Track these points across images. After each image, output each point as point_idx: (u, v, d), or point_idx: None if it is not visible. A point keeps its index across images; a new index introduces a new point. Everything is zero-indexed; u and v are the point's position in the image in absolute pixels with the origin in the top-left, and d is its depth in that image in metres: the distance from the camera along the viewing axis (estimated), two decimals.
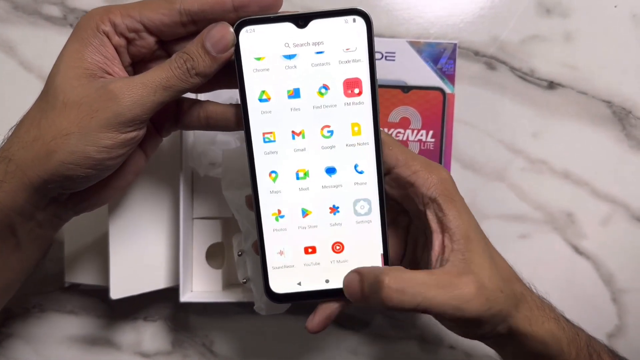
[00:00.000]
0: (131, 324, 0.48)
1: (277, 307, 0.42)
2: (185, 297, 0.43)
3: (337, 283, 0.34)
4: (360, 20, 0.31)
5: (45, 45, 0.47)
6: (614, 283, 0.47)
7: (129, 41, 0.31)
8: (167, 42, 0.32)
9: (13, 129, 0.32)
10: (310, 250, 0.34)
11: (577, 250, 0.48)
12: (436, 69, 0.42)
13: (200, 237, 0.45)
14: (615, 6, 0.46)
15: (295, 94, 0.32)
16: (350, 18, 0.31)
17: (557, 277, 0.48)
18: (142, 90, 0.29)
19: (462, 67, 0.46)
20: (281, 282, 0.34)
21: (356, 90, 0.32)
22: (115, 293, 0.42)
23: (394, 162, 0.33)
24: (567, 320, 0.35)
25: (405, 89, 0.42)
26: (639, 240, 0.47)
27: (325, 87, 0.32)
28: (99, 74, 0.30)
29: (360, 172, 0.33)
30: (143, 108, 0.30)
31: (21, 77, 0.47)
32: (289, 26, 0.31)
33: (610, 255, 0.47)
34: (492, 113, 0.47)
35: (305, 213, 0.34)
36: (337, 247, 0.34)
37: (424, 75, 0.42)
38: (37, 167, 0.30)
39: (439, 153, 0.42)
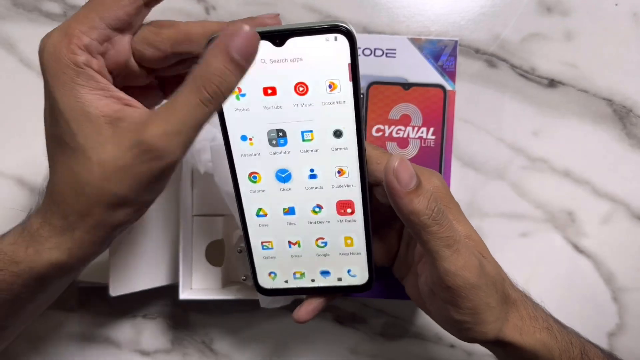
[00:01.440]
0: (130, 322, 0.48)
1: (282, 299, 0.42)
2: (184, 294, 0.43)
3: (322, 282, 0.36)
4: (342, 39, 0.29)
5: None
6: (614, 282, 0.47)
7: (105, 53, 0.28)
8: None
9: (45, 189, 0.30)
10: (294, 244, 0.35)
11: (578, 248, 0.47)
12: (437, 66, 0.42)
13: (200, 235, 0.45)
14: (616, 4, 0.46)
15: (281, 141, 0.31)
16: (331, 36, 0.29)
17: (557, 276, 0.47)
18: (181, 139, 0.26)
19: (463, 64, 0.46)
20: (268, 278, 0.36)
21: (337, 90, 0.30)
22: (115, 290, 0.42)
23: (382, 175, 0.32)
24: (562, 328, 0.35)
25: (406, 85, 0.42)
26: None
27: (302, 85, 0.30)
28: (111, 112, 0.27)
29: (344, 176, 0.33)
30: (184, 152, 0.27)
31: (21, 74, 0.47)
32: (264, 44, 0.29)
33: (611, 254, 0.47)
34: (493, 111, 0.47)
35: (287, 211, 0.34)
36: (322, 245, 0.35)
37: (424, 72, 0.42)
38: (104, 218, 0.29)
39: (440, 150, 0.42)
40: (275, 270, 0.36)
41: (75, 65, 0.27)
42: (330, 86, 0.30)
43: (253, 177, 0.33)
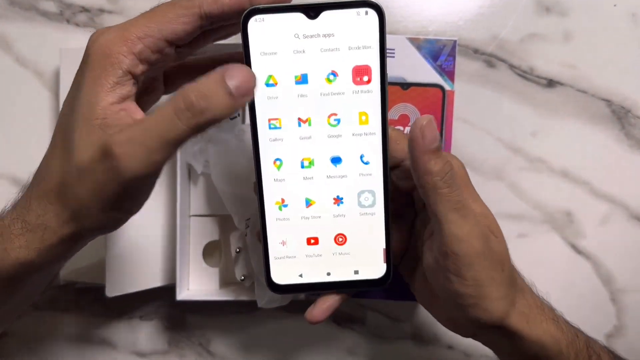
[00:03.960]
0: (127, 323, 0.48)
1: (279, 299, 0.41)
2: (181, 295, 0.42)
3: (338, 276, 0.34)
4: (372, 13, 0.30)
5: (42, 41, 0.47)
6: (612, 283, 0.47)
7: (152, 63, 0.29)
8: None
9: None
10: (312, 241, 0.34)
11: (576, 249, 0.47)
12: (435, 65, 0.42)
13: (197, 235, 0.45)
14: (615, 5, 0.46)
15: (302, 79, 0.31)
16: (362, 10, 0.30)
17: (555, 277, 0.47)
18: (142, 153, 0.25)
19: (462, 64, 0.46)
20: (282, 273, 0.34)
21: (365, 78, 0.31)
22: (111, 291, 0.42)
23: (402, 155, 0.32)
24: (567, 322, 0.35)
25: (405, 85, 0.42)
26: (638, 239, 0.47)
27: (334, 73, 0.31)
28: (110, 119, 0.27)
29: (366, 163, 0.32)
30: (148, 169, 0.26)
31: (17, 73, 0.47)
32: (299, 17, 0.30)
33: (609, 255, 0.47)
34: (491, 111, 0.47)
35: (309, 203, 0.33)
36: (340, 239, 0.34)
37: (423, 72, 0.42)
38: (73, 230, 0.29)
39: None
40: (292, 268, 0.34)
41: (119, 67, 0.27)
42: (358, 72, 0.31)
43: (277, 160, 0.32)
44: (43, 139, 0.46)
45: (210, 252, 0.45)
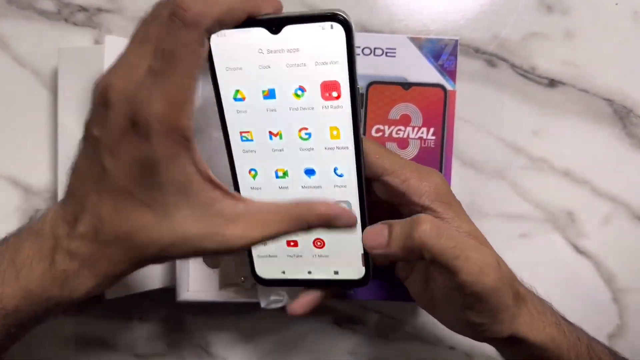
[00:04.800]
0: (126, 324, 0.48)
1: (281, 300, 0.41)
2: (181, 296, 0.42)
3: (318, 275, 0.35)
4: (338, 27, 0.29)
5: (40, 40, 0.46)
6: (614, 283, 0.47)
7: None
8: None
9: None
10: (292, 243, 0.34)
11: (578, 249, 0.47)
12: (437, 65, 0.41)
13: None
14: (617, 3, 0.46)
15: (270, 94, 0.30)
16: (327, 24, 0.28)
17: (557, 277, 0.47)
18: (252, 244, 0.29)
19: (463, 64, 0.46)
20: (266, 269, 0.36)
21: (334, 94, 0.30)
22: (111, 292, 0.41)
23: (381, 171, 0.32)
24: (569, 324, 0.35)
25: (406, 85, 0.41)
26: None
27: (302, 89, 0.30)
28: (208, 199, 0.28)
29: (340, 175, 0.32)
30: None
31: (15, 72, 0.46)
32: (262, 31, 0.29)
33: (611, 255, 0.47)
34: (493, 111, 0.46)
35: None
36: (318, 243, 0.34)
37: (424, 71, 0.41)
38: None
39: (440, 151, 0.42)
40: (274, 266, 0.35)
41: (186, 138, 0.26)
42: (327, 88, 0.30)
43: (252, 169, 0.33)
44: (41, 139, 0.46)
45: None
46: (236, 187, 0.33)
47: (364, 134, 0.42)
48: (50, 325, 0.47)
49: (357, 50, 0.29)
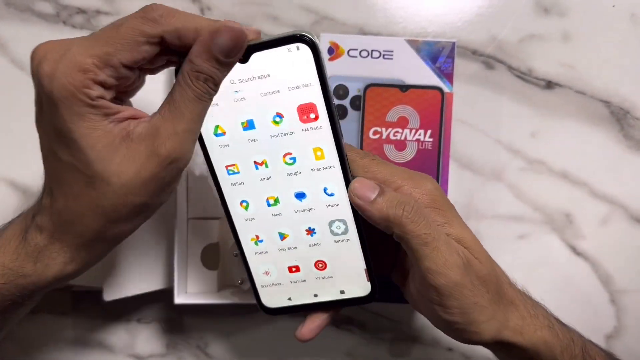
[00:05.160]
0: (125, 326, 0.48)
1: None
2: (179, 298, 0.42)
3: (325, 296, 0.35)
4: (304, 48, 0.29)
5: (38, 42, 0.46)
6: (612, 284, 0.47)
7: (117, 85, 0.28)
8: None
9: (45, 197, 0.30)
10: (294, 269, 0.34)
11: (575, 251, 0.47)
12: (434, 67, 0.42)
13: (195, 238, 0.44)
14: (614, 6, 0.46)
15: (249, 125, 0.31)
16: (293, 46, 0.29)
17: (555, 278, 0.47)
18: (191, 137, 0.28)
19: (460, 66, 0.46)
20: (272, 298, 0.35)
21: (312, 115, 0.30)
22: (109, 294, 0.41)
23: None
24: (563, 326, 0.35)
25: (404, 87, 0.41)
26: (638, 240, 0.47)
27: (279, 115, 0.30)
28: (120, 131, 0.27)
29: (331, 195, 0.32)
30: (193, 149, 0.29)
31: (12, 74, 0.46)
32: None
33: (609, 256, 0.47)
34: (490, 112, 0.47)
35: (282, 236, 0.34)
36: (320, 265, 0.34)
37: (422, 74, 0.41)
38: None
39: (437, 153, 0.42)
40: (279, 294, 0.35)
41: (90, 98, 0.26)
42: (304, 111, 0.30)
43: (243, 201, 0.33)
44: (39, 141, 0.46)
45: (208, 255, 0.45)
46: (229, 219, 0.33)
47: (362, 136, 0.42)
48: (49, 326, 0.47)
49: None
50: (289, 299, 0.35)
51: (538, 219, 0.47)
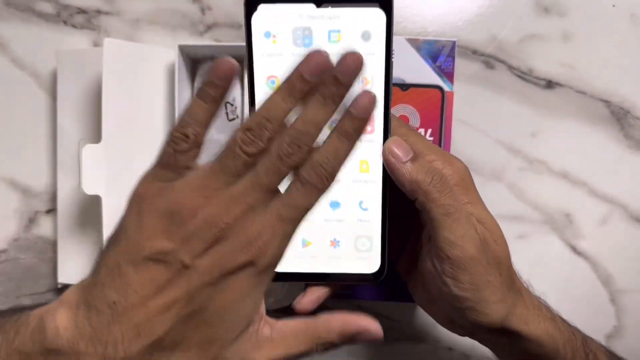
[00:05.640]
0: None
1: (281, 301, 0.41)
2: None
3: (332, 268, 0.34)
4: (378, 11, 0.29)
5: (38, 42, 0.46)
6: (612, 284, 0.47)
7: None
8: None
9: None
10: (307, 246, 0.34)
11: (575, 250, 0.47)
12: (435, 66, 0.42)
13: None
14: (614, 5, 0.46)
15: None
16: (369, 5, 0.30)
17: (555, 278, 0.47)
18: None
19: (461, 66, 0.46)
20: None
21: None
22: None
23: None
24: (564, 321, 0.35)
25: (404, 86, 0.41)
26: (638, 240, 0.47)
27: None
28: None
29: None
30: None
31: (13, 74, 0.46)
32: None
33: (609, 256, 0.47)
34: (490, 112, 0.47)
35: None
36: (334, 241, 0.34)
37: (422, 73, 0.41)
38: None
39: None
40: (286, 260, 0.34)
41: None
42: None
43: None
44: (40, 141, 0.46)
45: None
46: None
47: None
48: None
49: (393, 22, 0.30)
50: (294, 265, 0.34)
51: (538, 218, 0.47)
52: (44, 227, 0.47)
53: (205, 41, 0.46)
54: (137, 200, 0.27)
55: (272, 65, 0.31)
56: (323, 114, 0.27)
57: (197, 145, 0.28)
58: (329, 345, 0.30)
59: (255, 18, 0.30)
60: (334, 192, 0.32)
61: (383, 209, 0.33)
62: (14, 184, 0.47)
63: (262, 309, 0.30)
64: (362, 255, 0.34)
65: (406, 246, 0.36)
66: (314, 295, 0.35)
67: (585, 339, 0.35)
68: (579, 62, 0.46)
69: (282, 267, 0.34)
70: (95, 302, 0.25)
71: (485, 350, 0.35)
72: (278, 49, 0.30)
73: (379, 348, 0.48)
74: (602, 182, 0.47)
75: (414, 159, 0.31)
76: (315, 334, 0.30)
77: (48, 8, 0.46)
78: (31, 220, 0.47)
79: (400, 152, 0.31)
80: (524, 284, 0.34)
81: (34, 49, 0.46)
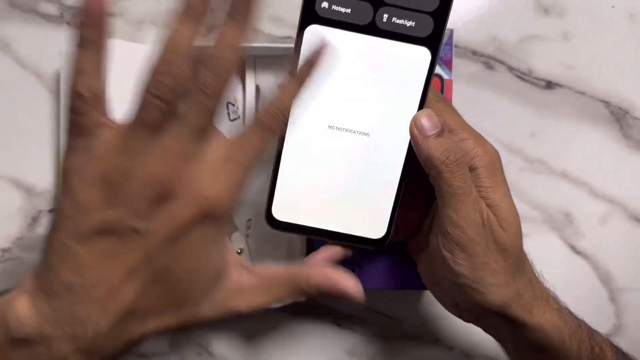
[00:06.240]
0: None
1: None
2: None
3: (337, 227, 0.35)
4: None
5: (42, 43, 0.47)
6: (612, 282, 0.47)
7: None
8: None
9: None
10: (323, 185, 0.34)
11: (575, 249, 0.48)
12: None
13: None
14: (613, 6, 0.46)
15: None
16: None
17: (554, 277, 0.47)
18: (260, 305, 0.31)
19: (460, 66, 0.46)
20: (283, 211, 0.34)
21: None
22: None
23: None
24: (571, 313, 0.35)
25: None
26: (637, 239, 0.47)
27: None
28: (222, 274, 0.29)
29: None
30: None
31: (17, 74, 0.47)
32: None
33: (608, 255, 0.47)
34: (490, 112, 0.47)
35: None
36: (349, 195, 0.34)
37: None
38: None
39: None
40: (291, 208, 0.34)
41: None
42: None
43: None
44: (43, 141, 0.47)
45: None
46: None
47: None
48: None
49: None
50: (300, 216, 0.34)
51: (538, 218, 0.47)
52: (48, 226, 0.47)
53: (208, 42, 0.46)
54: (66, 178, 0.25)
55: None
56: (238, 34, 0.26)
57: (98, 99, 0.25)
58: (309, 297, 0.30)
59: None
60: (356, 151, 0.32)
61: (401, 179, 0.33)
62: (17, 183, 0.47)
63: (235, 257, 0.30)
64: (370, 218, 0.34)
65: (420, 227, 0.37)
66: (327, 253, 0.35)
67: (592, 332, 0.35)
68: (579, 62, 0.47)
69: (287, 217, 0.34)
70: (52, 287, 0.25)
71: (485, 349, 0.35)
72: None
73: (380, 347, 0.48)
74: (601, 181, 0.47)
75: (439, 134, 0.31)
76: (296, 284, 0.30)
77: (52, 9, 0.47)
78: (34, 219, 0.47)
79: (427, 125, 0.31)
80: (537, 275, 0.35)
81: (38, 49, 0.47)
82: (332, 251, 0.35)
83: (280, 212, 0.34)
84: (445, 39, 0.32)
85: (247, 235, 0.41)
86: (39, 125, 0.47)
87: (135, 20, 0.46)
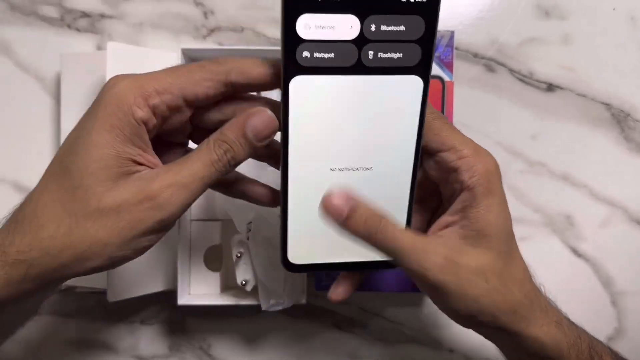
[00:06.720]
0: (128, 327, 0.48)
1: (283, 302, 0.42)
2: (182, 299, 0.42)
3: (351, 257, 0.34)
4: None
5: (43, 46, 0.47)
6: (613, 286, 0.47)
7: (165, 118, 0.29)
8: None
9: (22, 219, 0.28)
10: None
11: (576, 252, 0.47)
12: (434, 57, 0.42)
13: (198, 239, 0.45)
14: (614, 9, 0.46)
15: None
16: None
17: (555, 280, 0.47)
18: (185, 194, 0.28)
19: (461, 69, 0.46)
20: (299, 254, 0.34)
21: None
22: (113, 296, 0.42)
23: (439, 147, 0.32)
24: (571, 324, 0.35)
25: None
26: (638, 242, 0.47)
27: None
28: (132, 169, 0.28)
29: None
30: (185, 209, 0.29)
31: (18, 77, 0.47)
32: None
33: (610, 258, 0.47)
34: (491, 115, 0.47)
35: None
36: None
37: None
38: (62, 272, 0.27)
39: None
40: (306, 250, 0.34)
41: (132, 116, 0.27)
42: None
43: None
44: (44, 144, 0.47)
45: (211, 256, 0.45)
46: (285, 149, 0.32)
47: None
48: (53, 328, 0.47)
49: None
50: (316, 257, 0.34)
51: (539, 221, 0.47)
52: None
53: (208, 45, 0.46)
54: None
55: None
56: None
57: None
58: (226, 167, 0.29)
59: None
60: (361, 185, 0.32)
61: (409, 204, 0.33)
62: (18, 187, 0.47)
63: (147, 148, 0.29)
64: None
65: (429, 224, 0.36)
66: (347, 284, 0.35)
67: (592, 342, 0.35)
68: (580, 65, 0.47)
69: (304, 260, 0.34)
70: None
71: (485, 353, 0.35)
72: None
73: (380, 350, 0.48)
74: (602, 184, 0.47)
75: (351, 211, 0.30)
76: (211, 160, 0.29)
77: (52, 12, 0.47)
78: None
79: (337, 208, 0.30)
80: (537, 286, 0.34)
81: (39, 52, 0.47)
82: (352, 280, 0.35)
83: (296, 257, 0.34)
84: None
85: (247, 238, 0.41)
86: (40, 129, 0.47)
87: (136, 23, 0.46)
